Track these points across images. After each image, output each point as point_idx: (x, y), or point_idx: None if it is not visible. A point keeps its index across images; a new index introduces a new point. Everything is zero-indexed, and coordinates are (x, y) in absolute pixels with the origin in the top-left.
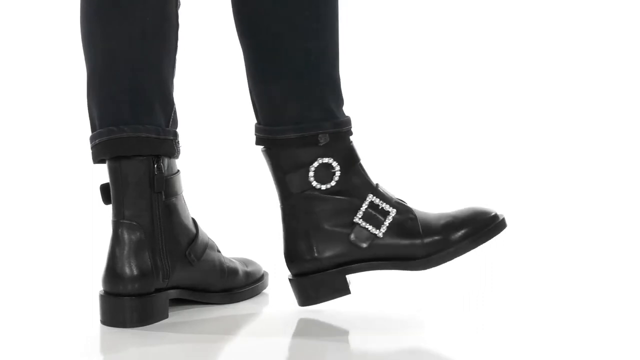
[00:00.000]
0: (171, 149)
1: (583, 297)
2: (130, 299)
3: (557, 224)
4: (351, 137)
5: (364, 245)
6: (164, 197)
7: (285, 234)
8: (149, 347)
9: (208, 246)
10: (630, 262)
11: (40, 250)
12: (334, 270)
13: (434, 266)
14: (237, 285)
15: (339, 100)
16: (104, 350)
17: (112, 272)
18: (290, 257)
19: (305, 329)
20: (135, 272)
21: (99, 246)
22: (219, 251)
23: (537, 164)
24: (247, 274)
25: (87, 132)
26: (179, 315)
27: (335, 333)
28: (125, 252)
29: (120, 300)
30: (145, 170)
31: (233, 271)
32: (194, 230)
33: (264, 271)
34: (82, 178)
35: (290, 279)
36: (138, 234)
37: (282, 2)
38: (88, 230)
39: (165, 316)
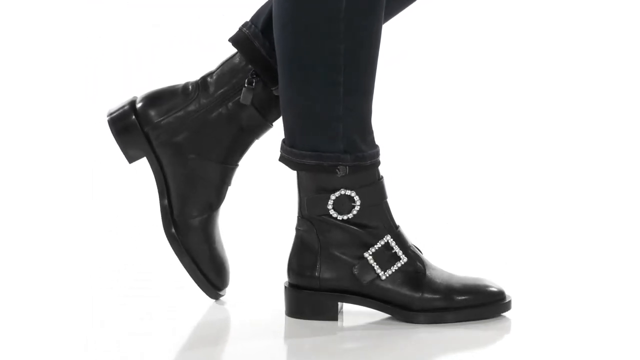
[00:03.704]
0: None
1: (583, 298)
2: None
3: (558, 226)
4: (381, 173)
5: (365, 281)
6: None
7: (294, 243)
8: (148, 349)
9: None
10: (631, 262)
11: (40, 246)
12: (328, 292)
13: (424, 323)
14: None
15: (365, 132)
16: (94, 350)
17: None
18: (292, 266)
19: (298, 331)
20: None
21: (97, 245)
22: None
23: (542, 168)
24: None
25: (86, 131)
26: (170, 318)
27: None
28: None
29: None
30: (240, 71)
31: (221, 263)
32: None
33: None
34: (81, 177)
35: (285, 286)
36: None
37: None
38: (87, 228)
39: None
